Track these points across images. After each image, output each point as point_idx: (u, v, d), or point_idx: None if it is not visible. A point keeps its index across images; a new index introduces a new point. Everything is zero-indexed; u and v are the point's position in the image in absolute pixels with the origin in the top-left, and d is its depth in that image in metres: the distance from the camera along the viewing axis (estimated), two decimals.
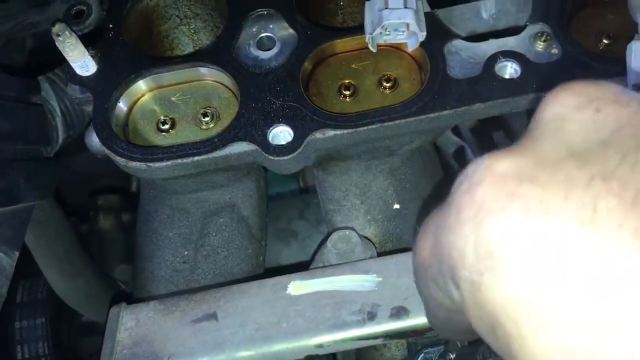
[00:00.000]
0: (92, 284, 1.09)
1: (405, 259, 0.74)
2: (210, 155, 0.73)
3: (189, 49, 0.93)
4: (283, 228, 1.11)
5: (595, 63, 0.74)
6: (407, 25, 0.73)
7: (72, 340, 1.22)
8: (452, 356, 0.75)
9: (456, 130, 1.32)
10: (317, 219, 1.10)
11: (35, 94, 0.85)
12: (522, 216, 0.35)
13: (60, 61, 0.94)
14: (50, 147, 0.88)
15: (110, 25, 0.82)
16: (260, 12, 0.82)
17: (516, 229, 0.35)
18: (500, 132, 1.54)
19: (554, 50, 0.76)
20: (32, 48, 0.89)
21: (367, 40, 0.75)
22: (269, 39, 0.81)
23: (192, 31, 0.92)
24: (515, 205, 0.35)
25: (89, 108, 0.81)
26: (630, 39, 0.71)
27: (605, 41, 0.79)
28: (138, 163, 0.74)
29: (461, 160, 1.31)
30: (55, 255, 1.02)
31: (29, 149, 0.81)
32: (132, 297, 0.92)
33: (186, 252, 0.88)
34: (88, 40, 0.78)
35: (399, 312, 0.69)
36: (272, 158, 0.73)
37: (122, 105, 0.79)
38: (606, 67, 0.74)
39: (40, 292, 1.19)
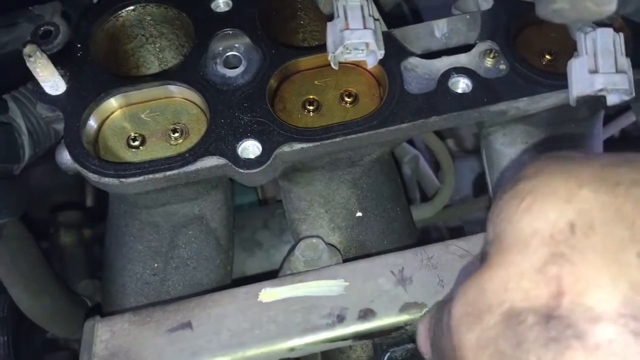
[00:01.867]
0: (58, 301, 1.09)
1: (369, 264, 0.79)
2: (182, 170, 0.76)
3: (155, 67, 0.96)
4: (247, 238, 1.14)
5: (540, 78, 0.80)
6: (367, 44, 0.78)
7: (35, 358, 1.22)
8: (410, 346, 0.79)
9: (410, 140, 1.39)
10: (280, 229, 1.14)
11: (3, 113, 0.86)
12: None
13: (24, 79, 0.95)
14: (18, 165, 0.89)
15: (78, 45, 0.84)
16: (226, 32, 0.85)
17: None
18: (450, 141, 1.62)
19: (502, 66, 0.83)
20: (2, 70, 0.90)
21: (329, 58, 0.80)
22: (235, 57, 0.85)
23: (158, 50, 0.94)
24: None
25: (59, 126, 0.83)
26: (570, 55, 0.78)
27: (547, 57, 0.86)
28: (111, 179, 0.76)
29: (414, 168, 1.37)
30: (20, 272, 1.02)
31: None
32: (101, 311, 0.94)
33: (156, 265, 0.90)
34: (56, 60, 0.80)
35: (366, 314, 0.73)
36: (242, 171, 0.76)
37: (92, 123, 0.81)
38: (549, 81, 0.80)
39: (1, 310, 1.18)
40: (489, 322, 0.43)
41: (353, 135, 0.78)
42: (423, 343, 0.60)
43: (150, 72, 0.96)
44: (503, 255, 0.44)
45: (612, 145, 1.31)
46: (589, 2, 0.55)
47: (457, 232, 1.46)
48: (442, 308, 0.52)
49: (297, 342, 0.73)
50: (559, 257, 0.41)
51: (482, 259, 0.49)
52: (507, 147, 0.94)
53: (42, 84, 0.79)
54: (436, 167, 1.50)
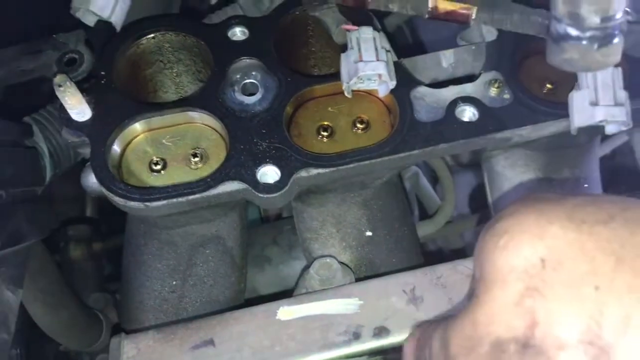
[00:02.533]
0: (75, 315, 1.12)
1: (382, 283, 0.83)
2: (204, 194, 0.80)
3: (172, 91, 0.99)
4: (257, 254, 1.17)
5: (542, 107, 0.85)
6: (380, 75, 0.82)
7: None
8: None
9: None
10: (289, 245, 1.17)
11: (28, 137, 0.89)
12: None
13: (44, 102, 0.99)
14: (41, 187, 0.92)
15: (102, 72, 0.88)
16: (243, 60, 0.89)
17: None
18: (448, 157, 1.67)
19: (506, 95, 0.87)
20: (22, 93, 0.93)
21: (343, 87, 0.84)
22: (253, 85, 0.89)
23: (175, 75, 0.98)
24: None
25: (83, 150, 0.86)
26: (569, 84, 0.83)
27: (548, 86, 0.90)
28: (136, 203, 0.80)
29: (415, 184, 1.42)
30: (39, 288, 1.05)
31: (27, 190, 0.85)
32: (119, 327, 0.97)
33: (174, 282, 0.93)
34: (81, 87, 0.84)
35: (381, 331, 0.78)
36: (261, 196, 0.80)
37: (116, 148, 0.85)
38: (551, 110, 0.85)
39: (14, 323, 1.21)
40: (480, 352, 0.51)
41: (367, 162, 0.82)
42: None
43: (168, 96, 0.99)
44: (487, 291, 0.52)
45: (605, 163, 1.36)
46: (598, 54, 0.60)
47: (454, 246, 1.51)
48: (430, 332, 0.60)
49: (316, 358, 0.77)
50: (533, 290, 0.49)
51: (470, 295, 0.58)
52: (507, 169, 0.98)
53: (69, 111, 0.82)
54: (434, 181, 1.55)
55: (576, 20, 0.58)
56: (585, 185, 0.98)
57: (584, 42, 0.59)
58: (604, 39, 0.59)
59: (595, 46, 0.60)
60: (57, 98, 0.83)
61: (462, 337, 0.54)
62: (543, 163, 0.97)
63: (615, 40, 0.60)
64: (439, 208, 1.28)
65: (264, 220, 1.36)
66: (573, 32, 0.59)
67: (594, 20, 0.58)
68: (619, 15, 0.58)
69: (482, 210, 1.43)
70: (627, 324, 0.44)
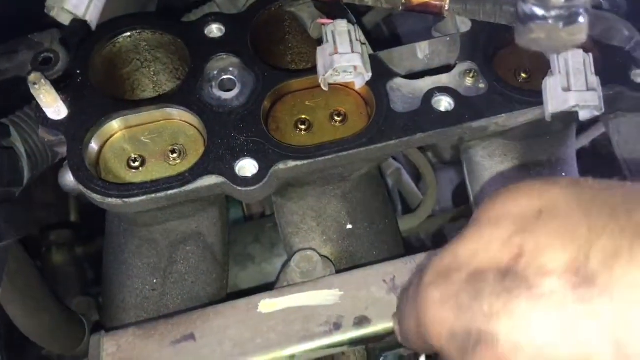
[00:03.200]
0: (55, 318, 1.11)
1: (362, 274, 0.83)
2: (183, 189, 0.80)
3: (149, 90, 0.99)
4: (239, 252, 1.17)
5: (517, 95, 0.86)
6: (355, 67, 0.83)
7: None
8: (406, 353, 0.83)
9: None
10: (271, 243, 1.18)
11: (5, 138, 0.89)
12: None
13: (21, 103, 0.98)
14: (18, 188, 0.91)
15: (78, 71, 0.88)
16: (220, 56, 0.90)
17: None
18: (429, 153, 1.68)
19: (481, 85, 0.88)
20: None
21: (320, 80, 0.85)
22: (230, 80, 0.89)
23: (152, 73, 0.98)
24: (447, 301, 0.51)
25: (60, 149, 0.86)
26: (544, 73, 0.84)
27: (523, 75, 0.92)
28: (114, 199, 0.79)
29: (397, 180, 1.42)
30: (18, 289, 1.04)
31: (4, 191, 0.85)
32: (100, 326, 0.97)
33: (155, 280, 0.93)
34: (57, 86, 0.83)
35: (362, 321, 0.78)
36: (240, 189, 0.80)
37: (93, 146, 0.85)
38: (525, 98, 0.86)
39: None
40: (455, 280, 0.50)
41: (344, 153, 0.82)
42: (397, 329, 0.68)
43: (146, 95, 0.99)
44: (476, 230, 0.52)
45: (584, 155, 1.37)
46: (563, 32, 0.61)
47: (439, 239, 1.52)
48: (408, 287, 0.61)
49: (297, 349, 0.77)
50: (524, 231, 0.48)
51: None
52: (486, 159, 0.99)
53: (45, 109, 0.82)
54: (416, 179, 1.56)
55: (541, 0, 0.59)
56: (563, 174, 0.99)
57: (550, 22, 0.60)
58: (569, 18, 0.60)
59: (561, 25, 0.61)
60: (34, 98, 0.83)
61: (439, 266, 0.53)
62: (521, 152, 0.98)
63: (580, 19, 0.61)
64: (421, 202, 1.29)
65: (248, 219, 1.36)
66: (539, 11, 0.60)
67: None
68: None
69: (466, 205, 1.44)
70: (615, 257, 0.43)
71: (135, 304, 0.93)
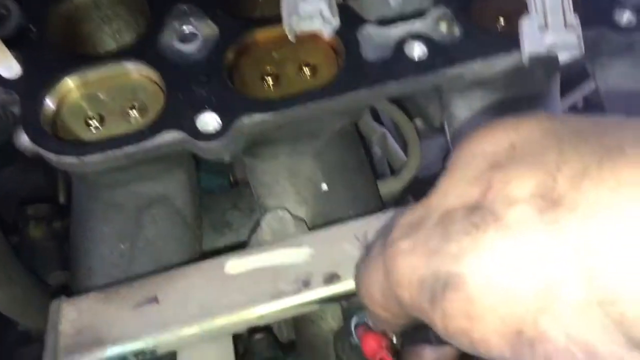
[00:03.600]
0: (29, 292, 1.08)
1: (333, 231, 0.79)
2: (141, 145, 0.76)
3: (112, 49, 0.95)
4: (217, 220, 1.13)
5: (493, 41, 0.82)
6: (321, 11, 0.78)
7: (8, 352, 1.21)
8: None
9: (377, 119, 1.40)
10: (250, 209, 1.13)
11: None
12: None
13: None
14: None
15: (33, 28, 0.83)
16: (181, 7, 0.85)
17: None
18: (418, 120, 1.63)
19: (456, 31, 0.83)
20: None
21: (285, 29, 0.80)
22: (191, 32, 0.84)
23: (115, 31, 0.94)
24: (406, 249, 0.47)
25: (15, 109, 0.82)
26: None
27: (501, 21, 0.87)
28: (70, 157, 0.76)
29: (383, 146, 1.38)
30: None
31: None
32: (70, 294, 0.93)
33: (122, 246, 0.89)
34: (10, 43, 0.79)
35: (332, 277, 0.74)
36: (201, 145, 0.76)
37: (49, 104, 0.81)
38: (503, 44, 0.81)
39: None
40: (426, 226, 0.46)
41: (312, 104, 0.78)
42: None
43: (106, 48, 0.95)
44: (449, 174, 0.48)
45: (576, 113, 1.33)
46: None
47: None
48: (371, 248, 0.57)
49: (265, 309, 0.73)
50: (496, 165, 0.45)
51: None
52: (466, 112, 0.95)
53: None
54: (405, 147, 1.51)
55: None
56: None
57: None
58: None
59: None
60: None
61: (409, 219, 0.49)
62: (501, 104, 0.93)
63: None
64: (404, 163, 1.24)
65: (233, 186, 1.32)
66: None
67: None
68: None
69: None
70: (583, 175, 0.40)
71: (103, 271, 0.89)
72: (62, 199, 1.48)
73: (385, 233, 0.53)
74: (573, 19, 0.74)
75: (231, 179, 1.31)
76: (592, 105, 1.36)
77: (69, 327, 0.73)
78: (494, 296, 0.41)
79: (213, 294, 0.74)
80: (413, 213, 0.49)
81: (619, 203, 0.37)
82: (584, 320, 0.38)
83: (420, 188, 1.38)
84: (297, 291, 0.73)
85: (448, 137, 1.02)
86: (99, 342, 0.71)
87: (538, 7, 0.73)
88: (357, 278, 0.59)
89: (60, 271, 1.26)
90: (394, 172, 1.42)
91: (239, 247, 1.05)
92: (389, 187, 1.19)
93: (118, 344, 0.71)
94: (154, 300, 0.75)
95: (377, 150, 1.36)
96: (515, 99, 0.94)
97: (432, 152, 1.58)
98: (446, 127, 1.01)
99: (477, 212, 0.43)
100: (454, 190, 0.46)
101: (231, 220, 1.14)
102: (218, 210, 1.14)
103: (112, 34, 0.94)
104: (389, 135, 1.36)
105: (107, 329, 0.72)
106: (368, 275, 0.55)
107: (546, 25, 0.73)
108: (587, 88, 1.29)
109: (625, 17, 0.82)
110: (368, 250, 0.59)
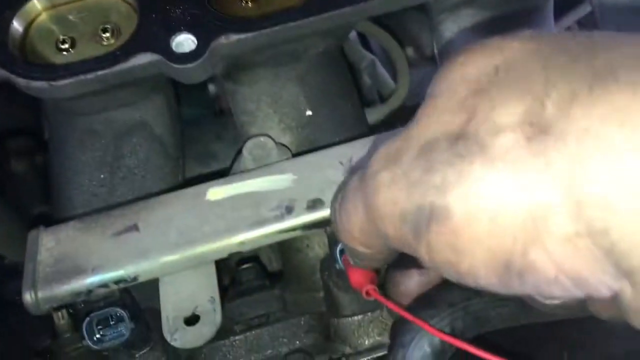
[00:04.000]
0: (11, 224, 1.07)
1: (317, 157, 0.77)
2: (114, 68, 0.73)
3: None
4: (201, 151, 1.11)
5: None
6: None
7: None
8: None
9: (366, 45, 1.36)
10: (234, 140, 1.11)
11: None
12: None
13: None
14: None
15: None
16: None
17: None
18: (410, 48, 1.59)
19: None
20: None
21: None
22: None
23: None
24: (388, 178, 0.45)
25: None
26: None
27: None
28: (40, 82, 0.72)
29: (373, 73, 1.34)
30: None
31: None
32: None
33: (102, 176, 0.87)
34: None
35: (315, 203, 0.72)
36: (176, 67, 0.73)
37: (17, 26, 0.77)
38: None
39: None
40: (407, 157, 0.43)
41: (293, 23, 0.74)
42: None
43: None
44: (430, 102, 0.45)
45: None
46: None
47: None
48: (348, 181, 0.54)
49: (247, 235, 0.72)
50: (479, 91, 0.41)
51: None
52: (456, 34, 0.91)
53: None
54: (395, 75, 1.47)
55: None
56: None
57: None
58: None
59: None
60: None
61: (389, 149, 0.46)
62: (494, 25, 0.90)
63: None
64: (393, 91, 1.21)
65: (218, 114, 1.29)
66: None
67: None
68: None
69: None
70: (572, 101, 0.37)
71: (83, 201, 0.87)
72: (47, 134, 1.46)
73: (362, 166, 0.50)
74: None
75: (216, 108, 1.28)
76: (587, 28, 1.32)
77: (47, 256, 0.72)
78: (480, 228, 0.40)
79: (194, 221, 0.73)
80: (392, 144, 0.47)
81: (609, 132, 0.35)
82: (573, 251, 0.37)
83: (409, 117, 1.36)
84: (279, 218, 0.72)
85: (438, 59, 0.98)
86: (78, 271, 0.70)
87: None
88: (334, 214, 0.56)
89: (44, 206, 1.25)
90: (383, 100, 1.39)
91: (220, 176, 1.04)
92: (377, 113, 1.16)
93: (98, 272, 0.70)
94: (134, 228, 0.73)
95: (366, 78, 1.33)
96: (506, 17, 0.90)
97: (423, 81, 1.55)
98: (436, 51, 0.97)
99: (460, 141, 0.41)
100: (435, 119, 0.44)
101: (215, 151, 1.11)
102: (202, 141, 1.12)
103: None
104: (378, 63, 1.32)
105: (87, 258, 0.71)
106: (345, 210, 0.52)
107: None
108: (581, 11, 1.25)
109: None
110: (343, 184, 0.57)
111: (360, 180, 0.50)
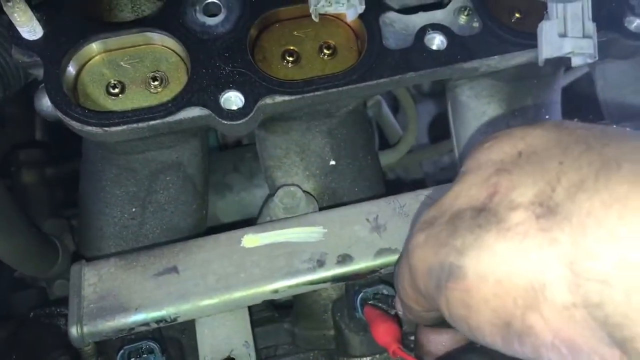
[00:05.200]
0: (29, 240, 1.09)
1: (346, 212, 0.83)
2: (166, 120, 0.77)
3: (128, 9, 0.93)
4: (218, 181, 1.16)
5: (510, 37, 0.84)
6: None
7: (3, 297, 1.23)
8: (385, 292, 0.85)
9: None
10: (250, 172, 1.16)
11: None
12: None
13: None
14: None
15: None
16: None
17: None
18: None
19: (475, 24, 0.86)
20: None
21: (311, 11, 0.81)
22: (215, 5, 0.84)
23: None
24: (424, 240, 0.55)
25: (36, 71, 0.82)
26: (538, 14, 0.82)
27: (517, 15, 0.89)
28: (94, 128, 0.77)
29: (377, 112, 1.41)
30: None
31: None
32: (79, 255, 0.95)
33: (134, 209, 0.91)
34: (30, 2, 0.78)
35: (345, 258, 0.79)
36: (225, 123, 0.78)
37: (71, 69, 0.81)
38: (519, 40, 0.84)
39: None
40: (439, 223, 0.52)
41: (334, 89, 0.80)
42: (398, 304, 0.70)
43: (123, 15, 0.94)
44: (461, 178, 0.54)
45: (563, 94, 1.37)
46: None
47: (413, 175, 1.53)
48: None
49: (281, 284, 0.77)
50: (503, 171, 0.50)
51: None
52: (472, 99, 0.98)
53: (19, 28, 0.77)
54: (394, 110, 1.54)
55: None
56: (547, 117, 0.99)
57: None
58: None
59: None
60: (4, 15, 0.78)
61: (427, 217, 0.56)
62: (507, 93, 0.97)
63: None
64: (402, 137, 1.28)
65: (222, 148, 1.33)
66: None
67: None
68: None
69: (443, 140, 1.44)
70: (579, 187, 0.44)
71: (114, 232, 0.91)
72: (38, 134, 1.48)
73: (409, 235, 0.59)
74: (591, 27, 0.77)
75: (219, 142, 1.32)
76: (583, 90, 1.40)
77: (91, 291, 0.76)
78: (488, 289, 0.47)
79: (230, 267, 0.78)
80: (429, 212, 0.56)
81: (608, 215, 0.42)
82: (569, 320, 0.44)
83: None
84: (311, 270, 0.78)
85: (450, 116, 1.04)
86: (122, 309, 0.75)
87: (559, 13, 0.76)
88: (395, 274, 0.66)
89: (54, 219, 1.27)
90: (383, 137, 1.46)
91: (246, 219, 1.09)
92: (386, 158, 1.23)
93: (141, 311, 0.74)
94: (174, 270, 0.78)
95: (369, 113, 1.40)
96: (518, 87, 0.98)
97: (420, 116, 1.63)
98: (449, 108, 1.04)
99: (482, 213, 0.49)
100: (465, 192, 0.52)
101: (231, 183, 1.16)
102: (219, 172, 1.17)
103: None
104: (384, 104, 1.39)
105: (130, 296, 0.76)
106: (400, 269, 0.61)
107: (565, 32, 0.76)
108: (579, 72, 1.33)
109: (635, 24, 0.85)
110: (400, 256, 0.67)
111: (406, 244, 0.59)
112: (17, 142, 1.35)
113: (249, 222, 0.97)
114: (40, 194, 1.33)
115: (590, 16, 0.78)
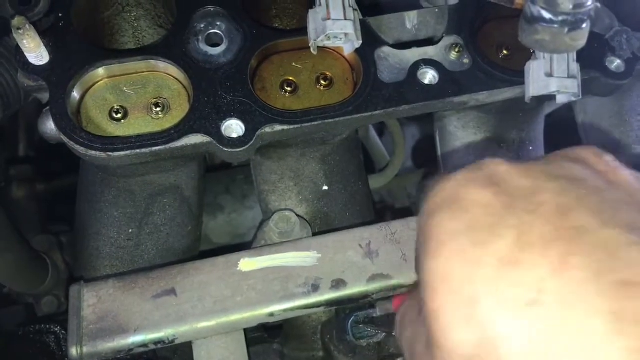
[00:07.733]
0: (21, 258, 1.10)
1: (339, 238, 0.86)
2: (168, 146, 0.80)
3: (129, 35, 0.97)
4: (210, 202, 1.18)
5: (499, 73, 0.88)
6: (347, 34, 0.83)
7: None
8: (376, 314, 0.88)
9: None
10: (242, 194, 1.19)
11: None
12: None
13: None
14: None
15: (60, 14, 0.84)
16: (208, 9, 0.88)
17: None
18: None
19: (465, 60, 0.90)
20: None
21: (310, 44, 0.84)
22: (217, 35, 0.87)
23: (133, 18, 0.95)
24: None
25: (41, 95, 0.84)
26: (525, 52, 0.86)
27: (504, 52, 0.94)
28: (98, 152, 0.79)
29: (364, 137, 1.45)
30: None
31: None
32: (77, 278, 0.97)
33: (130, 230, 0.93)
34: (38, 29, 0.80)
35: (338, 283, 0.82)
36: (226, 150, 0.81)
37: (75, 94, 0.83)
38: (507, 77, 0.88)
39: None
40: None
41: (330, 120, 0.84)
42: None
43: (125, 40, 0.97)
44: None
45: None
46: (567, 37, 0.63)
47: (397, 198, 1.57)
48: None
49: (276, 308, 0.80)
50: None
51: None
52: (460, 130, 1.03)
53: (27, 54, 0.79)
54: (379, 133, 1.58)
55: (551, 4, 0.61)
56: (530, 148, 1.03)
57: (556, 26, 0.62)
58: (574, 24, 0.62)
59: (566, 30, 0.63)
60: (7, 37, 0.80)
61: (403, 308, 0.58)
62: (493, 125, 1.02)
63: (584, 25, 0.63)
64: (389, 162, 1.32)
65: (210, 169, 1.35)
66: (547, 15, 0.62)
67: (567, 5, 0.61)
68: (589, 2, 0.61)
69: (427, 164, 1.48)
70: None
71: (110, 252, 0.93)
72: (21, 150, 1.48)
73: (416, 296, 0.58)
74: (575, 68, 0.81)
75: (208, 161, 1.34)
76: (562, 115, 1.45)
77: (90, 312, 0.78)
78: None
79: (227, 291, 0.80)
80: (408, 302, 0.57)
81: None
82: None
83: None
84: (306, 294, 0.80)
85: (438, 145, 1.08)
86: (121, 330, 0.76)
87: (546, 55, 0.81)
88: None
89: (43, 235, 1.28)
90: (370, 161, 1.50)
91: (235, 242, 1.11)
92: (374, 183, 1.26)
93: (140, 333, 0.76)
94: (172, 292, 0.80)
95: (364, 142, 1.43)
96: (505, 119, 1.02)
97: (405, 140, 1.67)
98: (437, 136, 1.08)
99: None
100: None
101: (224, 204, 1.19)
102: (211, 193, 1.19)
103: (131, 21, 0.96)
104: (371, 129, 1.42)
105: (129, 318, 0.77)
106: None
107: (552, 72, 0.80)
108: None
109: (615, 64, 0.90)
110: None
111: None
112: (9, 157, 1.36)
113: (241, 244, 0.99)
114: (30, 210, 1.34)
115: (575, 58, 0.82)
